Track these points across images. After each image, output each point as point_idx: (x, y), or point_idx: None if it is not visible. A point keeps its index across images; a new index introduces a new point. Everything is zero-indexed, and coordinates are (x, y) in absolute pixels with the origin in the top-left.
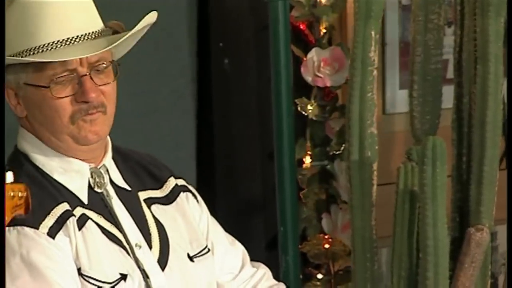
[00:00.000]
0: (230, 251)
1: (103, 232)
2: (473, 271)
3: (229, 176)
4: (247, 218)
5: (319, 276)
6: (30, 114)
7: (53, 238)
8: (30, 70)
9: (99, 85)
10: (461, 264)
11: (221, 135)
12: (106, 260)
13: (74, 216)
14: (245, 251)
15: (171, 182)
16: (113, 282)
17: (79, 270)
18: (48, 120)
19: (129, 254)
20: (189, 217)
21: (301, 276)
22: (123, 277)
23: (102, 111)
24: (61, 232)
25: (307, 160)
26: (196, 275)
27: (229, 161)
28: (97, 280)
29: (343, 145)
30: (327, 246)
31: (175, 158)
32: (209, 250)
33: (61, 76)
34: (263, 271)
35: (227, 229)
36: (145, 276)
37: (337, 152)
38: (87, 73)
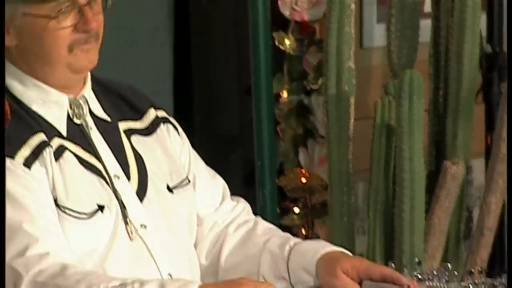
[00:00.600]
0: (211, 184)
1: (81, 163)
2: (449, 204)
3: (207, 111)
4: (225, 152)
5: (296, 210)
6: (22, 44)
7: (29, 168)
8: (33, 0)
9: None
10: (437, 197)
11: (199, 69)
12: (83, 191)
13: (51, 146)
14: (226, 185)
15: (152, 113)
16: (90, 213)
17: (55, 201)
18: (45, 50)
19: (108, 185)
20: (169, 148)
21: (278, 210)
22: (100, 208)
23: (96, 40)
24: (37, 162)
25: (284, 94)
26: (176, 207)
27: (207, 96)
28: (73, 211)
29: (321, 80)
30: (304, 180)
31: (153, 91)
32: (189, 181)
33: (65, 6)
34: (243, 205)
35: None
36: (123, 207)
37: (315, 87)
38: (87, 2)
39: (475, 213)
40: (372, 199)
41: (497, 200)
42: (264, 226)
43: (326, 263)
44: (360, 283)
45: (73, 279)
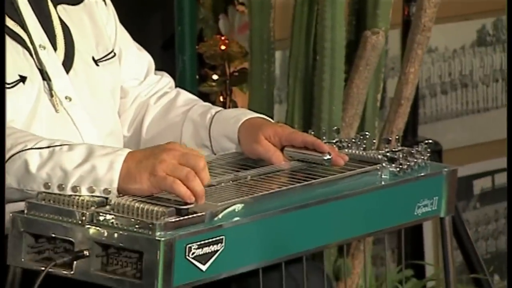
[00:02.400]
0: (136, 57)
1: (5, 32)
2: (368, 74)
3: None
4: (144, 17)
5: (215, 77)
6: None
7: None
8: None
9: None
10: (356, 67)
11: None
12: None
13: None
14: (151, 60)
15: None
16: (11, 83)
17: None
18: None
19: (32, 56)
20: (96, 19)
21: (197, 77)
22: (22, 79)
23: None
24: None
25: None
26: (101, 79)
27: None
28: None
29: None
30: (223, 47)
31: None
32: (115, 54)
33: None
34: (168, 79)
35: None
36: (48, 78)
37: None
38: None
39: (389, 84)
40: (292, 67)
41: (415, 70)
42: (185, 96)
43: (248, 129)
44: (281, 150)
45: None
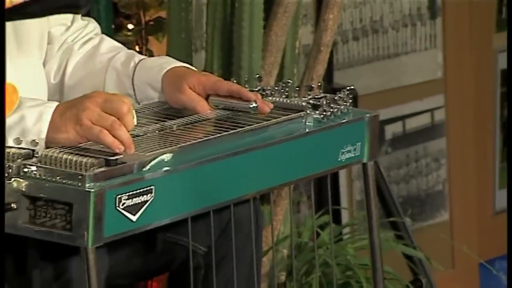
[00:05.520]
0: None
1: None
2: (286, 21)
3: None
4: None
5: (130, 26)
6: None
7: None
8: None
9: None
10: (275, 14)
11: None
12: None
13: None
14: None
15: None
16: None
17: None
18: None
19: None
20: None
21: (112, 26)
22: None
23: None
24: None
25: None
26: (27, 25)
27: None
28: None
29: None
30: None
31: None
32: None
33: None
34: (94, 25)
35: None
36: None
37: None
38: None
39: (301, 30)
40: (210, 16)
41: (334, 17)
42: (109, 43)
43: (172, 78)
44: (206, 99)
45: None
